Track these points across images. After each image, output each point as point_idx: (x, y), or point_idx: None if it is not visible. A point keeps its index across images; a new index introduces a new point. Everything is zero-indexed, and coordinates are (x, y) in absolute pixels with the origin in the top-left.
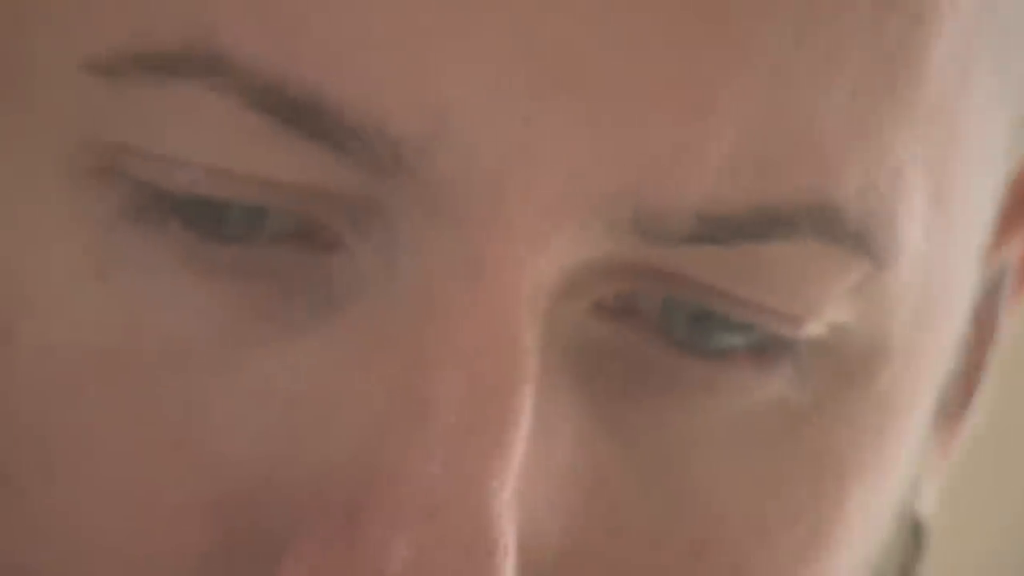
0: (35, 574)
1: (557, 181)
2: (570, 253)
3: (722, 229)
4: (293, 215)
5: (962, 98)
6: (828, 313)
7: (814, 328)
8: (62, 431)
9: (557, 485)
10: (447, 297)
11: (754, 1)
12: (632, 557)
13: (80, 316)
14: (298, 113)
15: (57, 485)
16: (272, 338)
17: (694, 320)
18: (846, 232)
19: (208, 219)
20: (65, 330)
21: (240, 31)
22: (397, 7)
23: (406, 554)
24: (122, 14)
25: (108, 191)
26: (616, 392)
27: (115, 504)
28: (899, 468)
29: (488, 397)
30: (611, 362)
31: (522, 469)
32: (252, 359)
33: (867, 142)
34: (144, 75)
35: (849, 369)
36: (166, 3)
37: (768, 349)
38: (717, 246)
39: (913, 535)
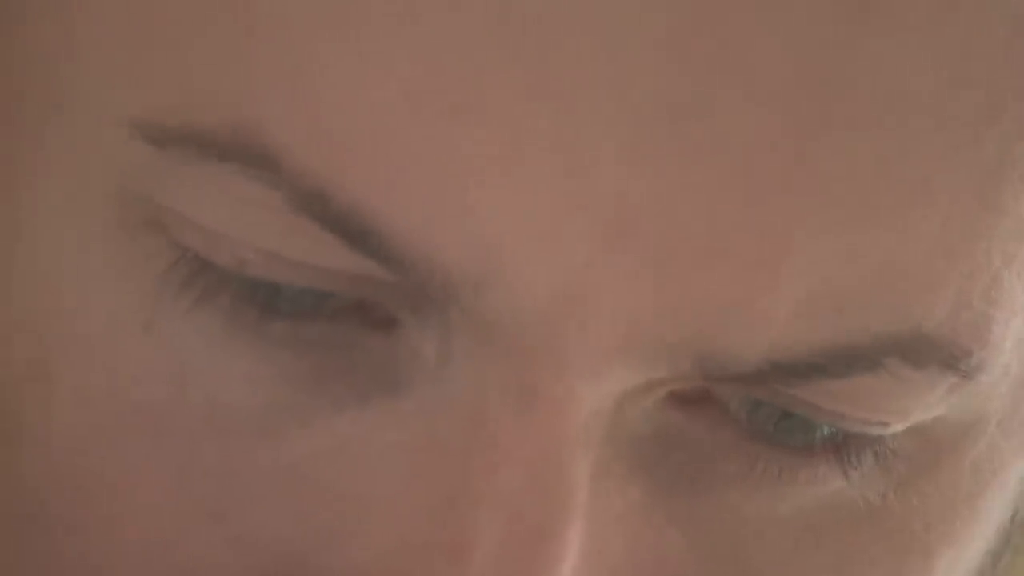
0: None
1: (614, 328)
2: (630, 381)
3: (796, 371)
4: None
5: None
6: (917, 415)
7: (901, 425)
8: (96, 479)
9: None
10: (497, 421)
11: (833, 142)
12: None
13: (122, 365)
14: (343, 225)
15: (86, 534)
16: (320, 414)
17: (777, 416)
18: (936, 356)
19: (261, 293)
20: (105, 377)
21: (286, 131)
22: (450, 134)
23: None
24: (173, 86)
25: (158, 248)
26: (683, 481)
27: (144, 565)
28: (995, 515)
29: (529, 542)
30: (680, 451)
31: (574, 568)
32: (297, 433)
33: (960, 262)
34: (190, 151)
35: (940, 447)
36: (218, 87)
37: (851, 442)
38: (792, 383)
39: None
